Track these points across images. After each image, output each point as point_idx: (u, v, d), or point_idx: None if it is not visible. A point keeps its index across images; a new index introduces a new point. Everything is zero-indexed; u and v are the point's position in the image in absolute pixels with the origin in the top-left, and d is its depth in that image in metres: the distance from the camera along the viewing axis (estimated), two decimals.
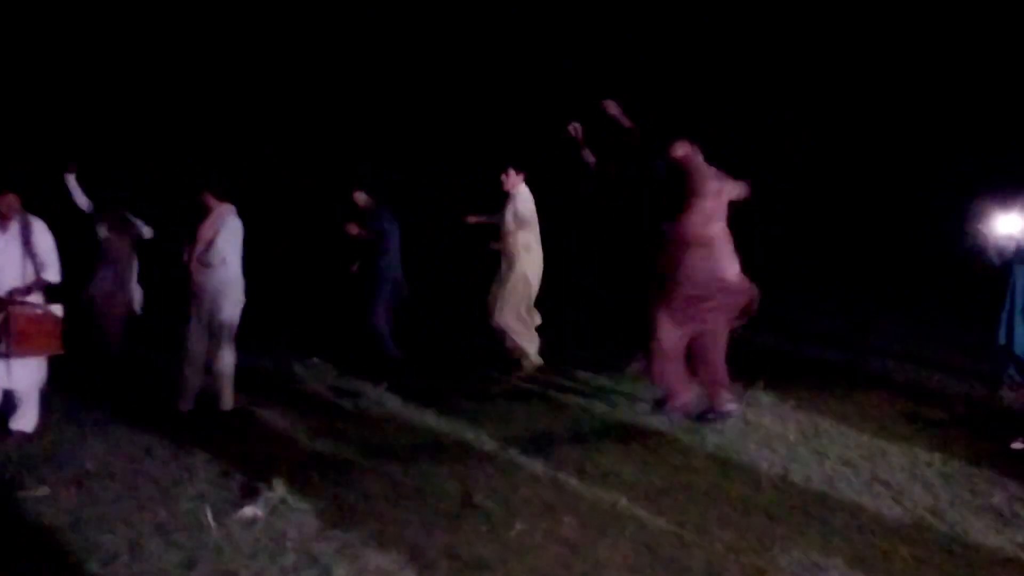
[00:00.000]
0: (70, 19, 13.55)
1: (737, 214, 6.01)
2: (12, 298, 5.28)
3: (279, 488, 4.61)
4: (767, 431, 5.89)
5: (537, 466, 5.16)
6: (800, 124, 14.61)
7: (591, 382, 7.10)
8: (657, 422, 6.05)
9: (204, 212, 6.15)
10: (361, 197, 7.80)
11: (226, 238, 6.08)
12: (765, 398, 6.62)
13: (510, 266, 7.37)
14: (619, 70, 13.52)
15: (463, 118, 14.60)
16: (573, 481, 4.93)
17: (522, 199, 7.39)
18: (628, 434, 5.84)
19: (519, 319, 7.42)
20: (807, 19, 14.23)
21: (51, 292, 5.63)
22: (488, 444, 5.58)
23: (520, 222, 7.32)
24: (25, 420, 5.56)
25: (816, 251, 14.35)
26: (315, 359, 7.51)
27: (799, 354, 8.66)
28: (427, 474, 5.01)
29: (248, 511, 4.35)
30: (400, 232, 7.82)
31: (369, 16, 14.67)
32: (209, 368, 6.20)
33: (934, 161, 14.07)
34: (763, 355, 7.86)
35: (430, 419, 6.15)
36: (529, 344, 7.45)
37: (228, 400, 6.20)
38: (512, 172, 7.43)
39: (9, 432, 5.50)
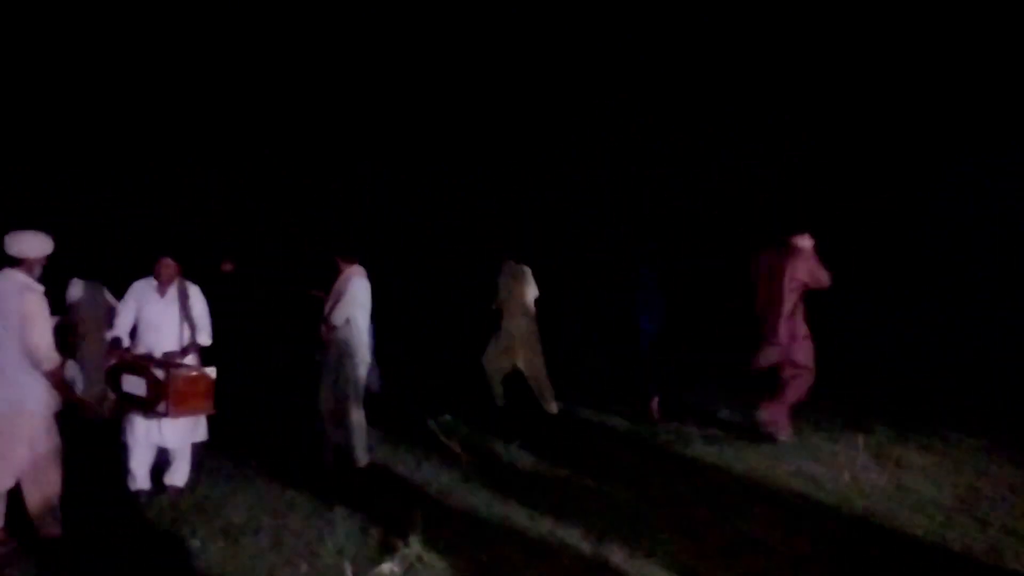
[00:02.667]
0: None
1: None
2: (170, 360, 5.58)
3: (415, 545, 4.67)
4: (919, 495, 5.54)
5: (674, 525, 5.03)
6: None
7: (721, 439, 6.89)
8: (794, 482, 5.82)
9: (335, 273, 6.40)
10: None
11: (353, 299, 6.28)
12: (918, 459, 6.25)
13: None
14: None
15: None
16: (713, 544, 4.77)
17: None
18: (768, 495, 5.62)
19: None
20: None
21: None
22: (622, 502, 5.49)
23: None
24: (178, 475, 5.86)
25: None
26: (447, 416, 7.61)
27: (927, 392, 8.20)
28: (561, 532, 4.97)
29: (386, 568, 4.43)
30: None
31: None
32: (341, 425, 6.39)
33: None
34: (891, 394, 7.52)
35: (563, 475, 6.12)
36: None
37: (362, 456, 6.35)
38: None
39: (163, 486, 5.80)
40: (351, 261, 6.42)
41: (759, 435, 6.81)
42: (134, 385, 5.35)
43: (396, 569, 4.43)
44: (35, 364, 4.45)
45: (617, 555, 4.62)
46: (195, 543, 4.83)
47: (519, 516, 5.27)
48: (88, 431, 6.11)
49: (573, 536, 4.93)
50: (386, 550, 4.68)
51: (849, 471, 5.99)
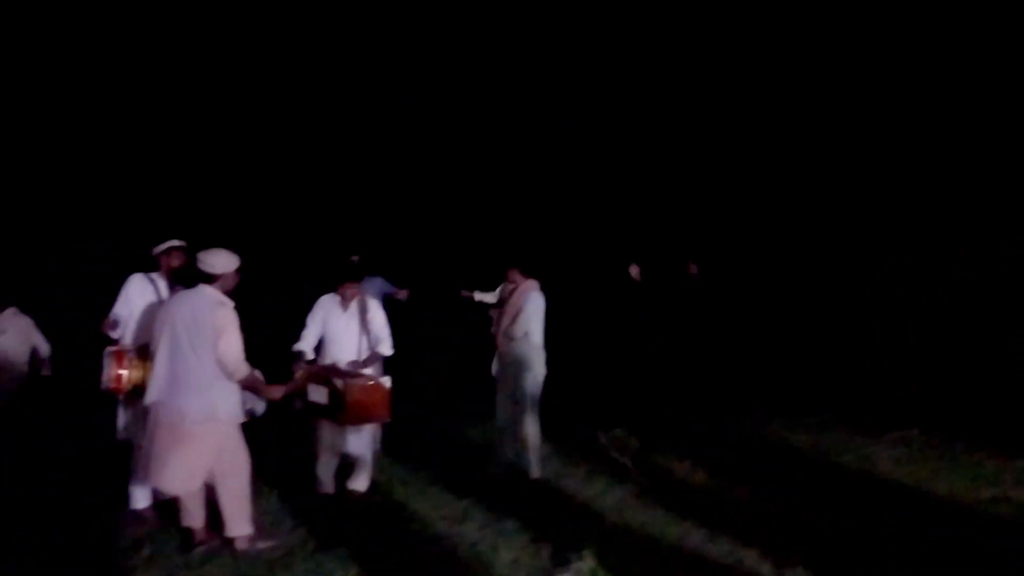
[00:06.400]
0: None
1: None
2: (349, 371, 5.81)
3: (589, 559, 4.58)
4: None
5: (864, 552, 4.69)
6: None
7: (916, 458, 6.38)
8: (999, 508, 5.28)
9: (512, 286, 6.46)
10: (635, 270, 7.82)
11: (530, 312, 6.32)
12: None
13: None
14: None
15: None
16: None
17: None
18: (970, 521, 5.13)
19: None
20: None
21: None
22: (803, 523, 5.20)
23: None
24: (360, 481, 6.08)
25: None
26: (619, 430, 7.49)
27: None
28: (740, 554, 4.73)
29: None
30: None
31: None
32: (516, 437, 6.41)
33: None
34: None
35: (740, 495, 5.87)
36: None
37: (535, 469, 6.34)
38: None
39: (346, 492, 6.02)
40: (529, 275, 6.47)
41: (955, 455, 6.26)
42: (317, 394, 5.60)
43: None
44: (227, 374, 4.73)
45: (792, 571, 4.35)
46: (374, 549, 4.95)
47: (695, 535, 5.07)
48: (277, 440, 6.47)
49: (751, 558, 4.68)
50: (559, 563, 4.62)
51: None
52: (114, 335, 5.38)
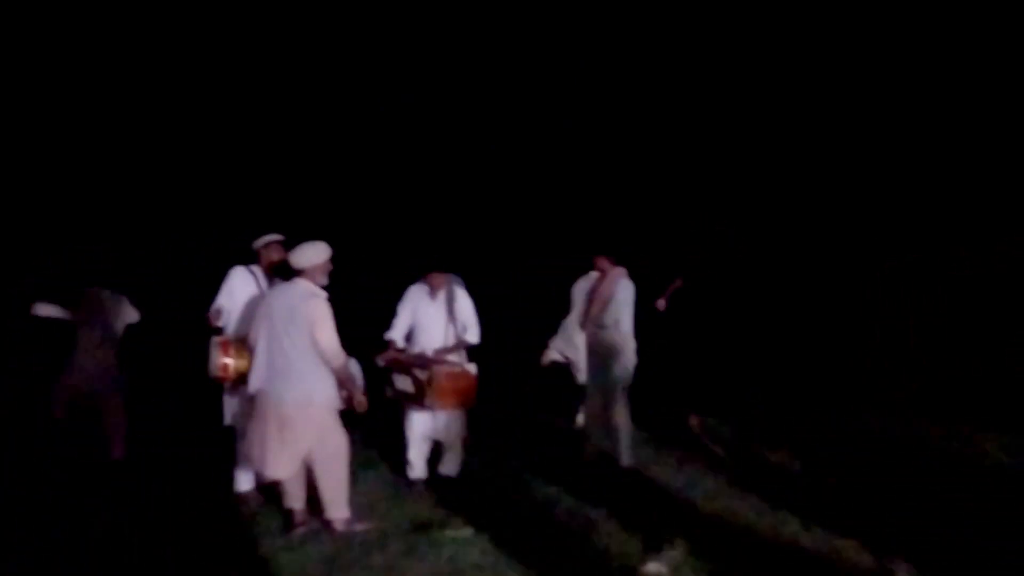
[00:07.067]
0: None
1: None
2: (435, 357, 5.93)
3: (680, 547, 4.55)
4: None
5: (971, 549, 4.52)
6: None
7: None
8: None
9: (600, 275, 6.44)
10: None
11: (621, 300, 6.30)
12: None
13: None
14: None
15: None
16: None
17: None
18: None
19: None
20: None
21: None
22: (905, 508, 5.11)
23: None
24: (450, 466, 6.18)
25: None
26: (711, 419, 7.38)
27: None
28: (837, 543, 4.64)
29: (652, 567, 4.35)
30: None
31: None
32: (606, 425, 6.41)
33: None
34: None
35: (834, 484, 5.74)
36: None
37: (626, 456, 6.33)
38: None
39: (438, 477, 6.14)
40: (617, 262, 6.45)
41: None
42: (404, 382, 5.76)
43: (663, 569, 4.34)
44: (324, 362, 4.90)
45: (904, 570, 4.21)
46: (467, 532, 5.03)
47: (791, 524, 4.99)
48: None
49: (850, 548, 4.57)
50: (651, 550, 4.60)
51: None
52: (218, 325, 5.62)
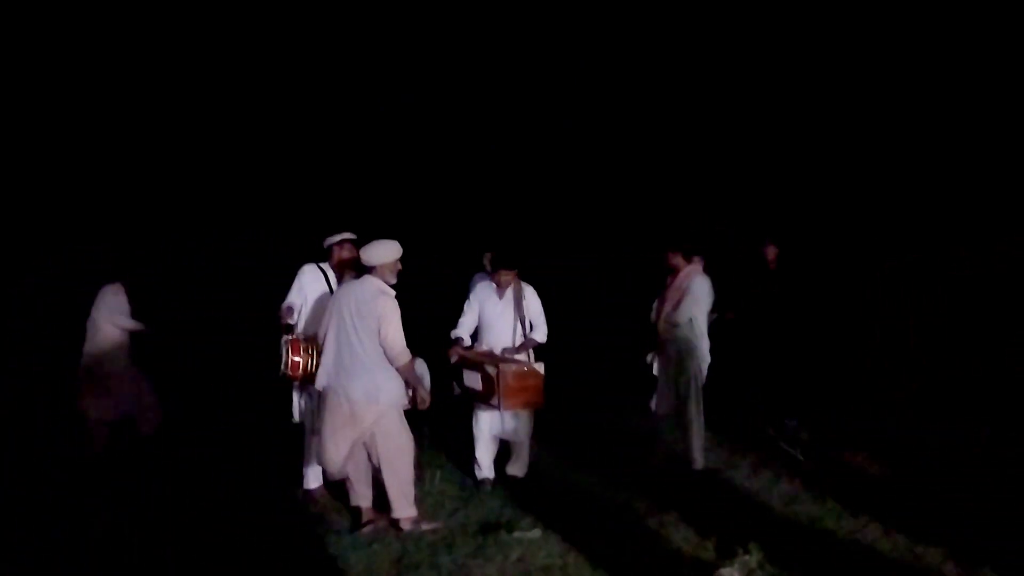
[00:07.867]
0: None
1: None
2: (503, 356, 5.86)
3: (756, 552, 4.39)
4: None
5: None
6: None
7: None
8: None
9: (671, 272, 6.29)
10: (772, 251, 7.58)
11: (695, 297, 6.14)
12: None
13: None
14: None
15: None
16: None
17: None
18: None
19: None
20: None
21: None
22: (990, 519, 4.80)
23: None
24: (518, 466, 6.12)
25: None
26: (792, 422, 7.15)
27: None
28: (920, 550, 4.45)
29: (726, 572, 4.21)
30: None
31: None
32: (679, 426, 6.25)
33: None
34: None
35: (918, 488, 5.50)
36: None
37: (699, 458, 6.16)
38: None
39: (506, 477, 6.07)
40: (692, 259, 6.29)
41: None
42: (472, 380, 5.70)
43: (736, 574, 4.19)
44: (391, 360, 4.89)
45: None
46: (536, 534, 4.95)
47: (870, 530, 4.78)
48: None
49: (933, 556, 4.36)
50: (724, 555, 4.45)
51: None
52: (290, 322, 5.66)
